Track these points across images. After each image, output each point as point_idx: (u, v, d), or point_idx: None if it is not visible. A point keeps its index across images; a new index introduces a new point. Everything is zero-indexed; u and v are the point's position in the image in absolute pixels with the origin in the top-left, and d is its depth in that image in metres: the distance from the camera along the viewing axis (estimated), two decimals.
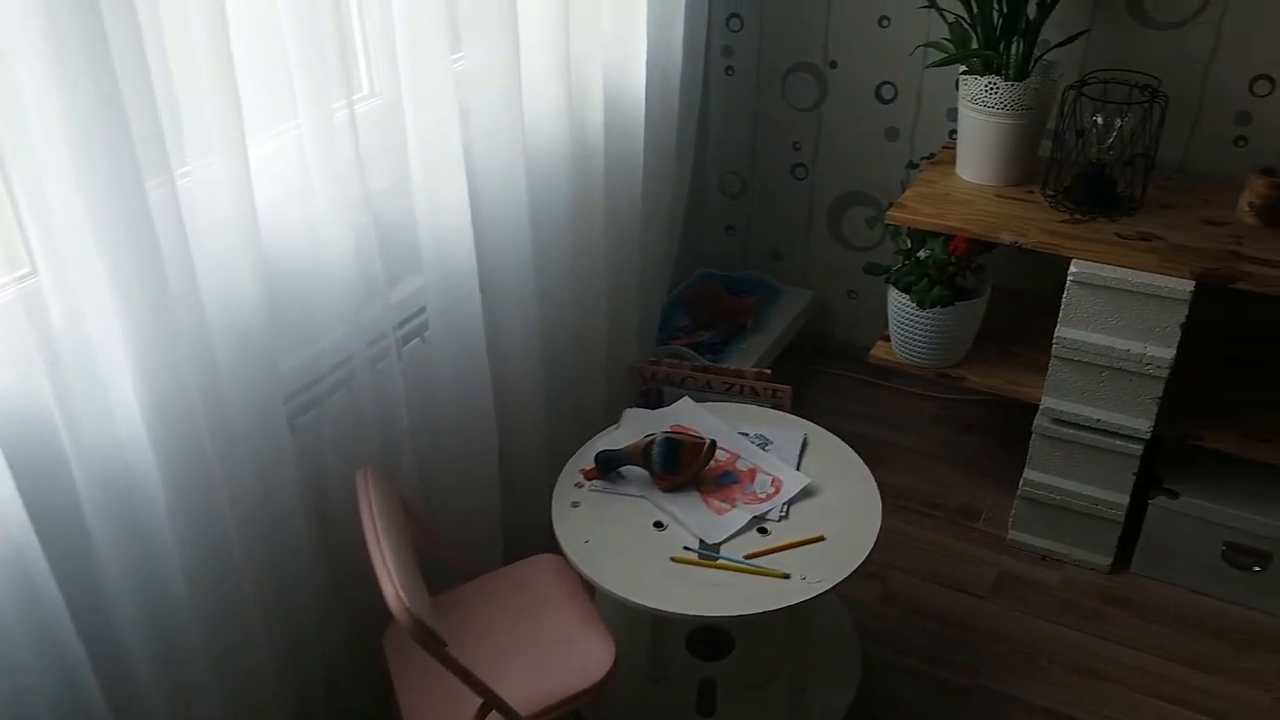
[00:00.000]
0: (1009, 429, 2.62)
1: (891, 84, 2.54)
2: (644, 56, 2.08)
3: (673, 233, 2.52)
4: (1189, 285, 1.91)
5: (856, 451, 1.89)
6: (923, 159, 2.42)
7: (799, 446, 1.91)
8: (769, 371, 2.35)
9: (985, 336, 2.34)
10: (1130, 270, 1.96)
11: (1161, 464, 2.21)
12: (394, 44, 1.56)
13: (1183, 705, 1.98)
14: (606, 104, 2.03)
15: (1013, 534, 2.34)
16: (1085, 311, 2.02)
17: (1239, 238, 2.01)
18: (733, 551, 1.68)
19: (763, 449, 1.90)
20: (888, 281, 2.26)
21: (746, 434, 1.94)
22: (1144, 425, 2.07)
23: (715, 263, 3.02)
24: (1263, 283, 1.88)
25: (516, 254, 1.87)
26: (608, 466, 1.82)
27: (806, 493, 1.80)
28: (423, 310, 1.78)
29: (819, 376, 2.90)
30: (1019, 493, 2.28)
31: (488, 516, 2.01)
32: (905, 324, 2.28)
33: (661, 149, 2.29)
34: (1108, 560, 2.25)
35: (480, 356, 1.85)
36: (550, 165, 1.94)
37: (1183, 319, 1.94)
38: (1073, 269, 1.99)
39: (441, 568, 1.78)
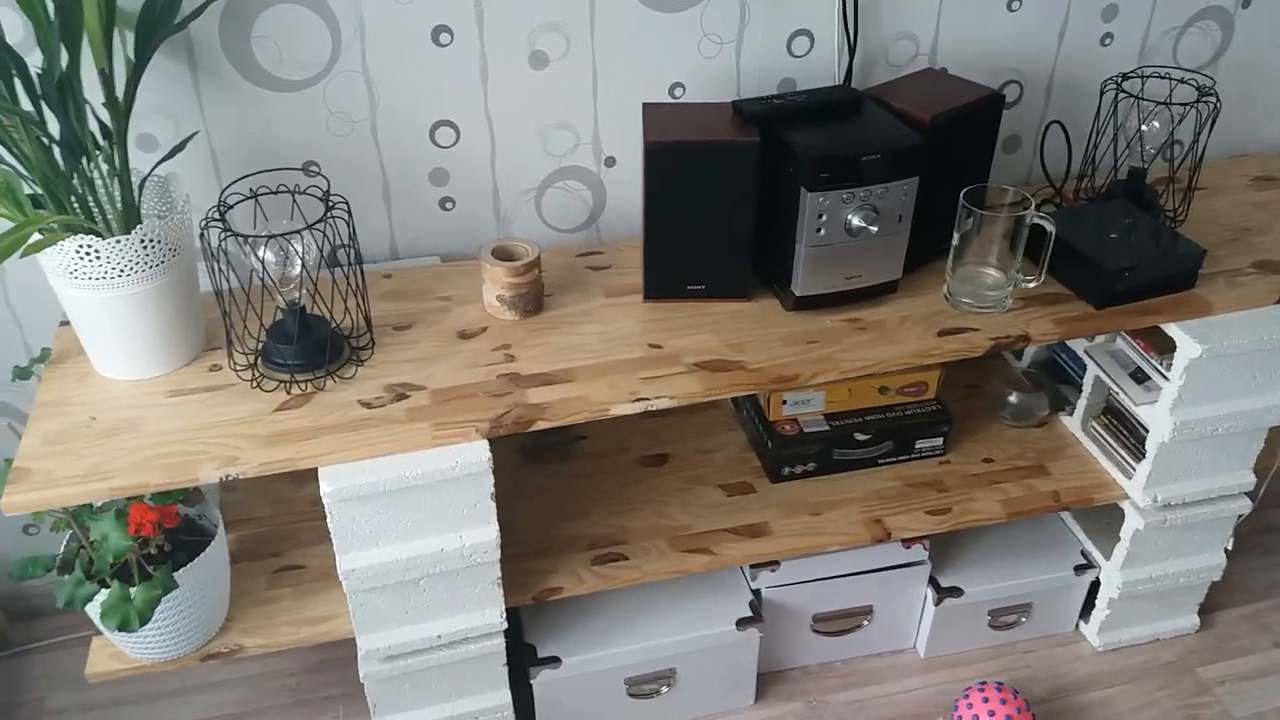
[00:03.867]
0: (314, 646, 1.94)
1: None
2: None
3: None
4: (484, 450, 1.37)
5: None
6: (35, 361, 1.53)
7: None
8: None
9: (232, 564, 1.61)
10: (401, 457, 1.35)
11: (530, 633, 1.71)
12: None
13: None
14: None
15: None
16: (364, 530, 1.38)
17: (506, 348, 1.51)
18: None
19: None
20: (66, 602, 1.36)
21: None
22: (495, 616, 1.53)
23: None
24: (565, 412, 1.40)
25: None
26: None
27: None
28: None
29: (38, 667, 1.90)
30: None
31: None
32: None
33: None
34: None
35: None
36: None
37: (491, 489, 1.41)
38: (324, 487, 1.33)
39: None
